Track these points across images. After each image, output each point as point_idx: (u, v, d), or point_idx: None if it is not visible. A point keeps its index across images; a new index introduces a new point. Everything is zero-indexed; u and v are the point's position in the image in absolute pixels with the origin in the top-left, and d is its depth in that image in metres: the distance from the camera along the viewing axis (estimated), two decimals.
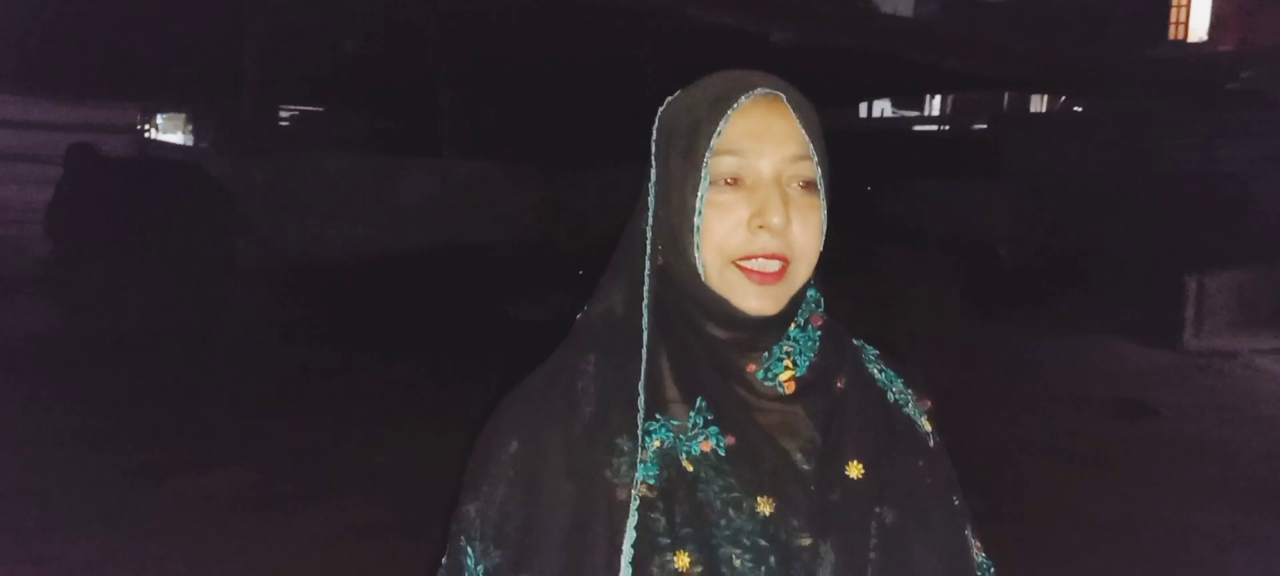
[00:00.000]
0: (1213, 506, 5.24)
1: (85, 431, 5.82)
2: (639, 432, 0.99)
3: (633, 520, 0.96)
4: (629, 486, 0.97)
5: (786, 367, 1.04)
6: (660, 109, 1.09)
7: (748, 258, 1.01)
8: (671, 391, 1.03)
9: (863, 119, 23.09)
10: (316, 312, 9.06)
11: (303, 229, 10.77)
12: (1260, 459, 6.22)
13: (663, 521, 0.97)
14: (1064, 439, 6.52)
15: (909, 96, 22.16)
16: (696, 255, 1.02)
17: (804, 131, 1.03)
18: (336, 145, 11.99)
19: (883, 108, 23.29)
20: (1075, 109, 20.58)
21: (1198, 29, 19.19)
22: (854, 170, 16.51)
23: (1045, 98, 21.46)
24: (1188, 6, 19.51)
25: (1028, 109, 21.29)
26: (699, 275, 1.03)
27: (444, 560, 1.09)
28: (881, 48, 11.91)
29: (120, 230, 8.19)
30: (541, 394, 1.06)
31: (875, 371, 1.13)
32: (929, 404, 1.13)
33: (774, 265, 1.01)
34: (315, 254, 10.51)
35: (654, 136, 1.08)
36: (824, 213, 1.04)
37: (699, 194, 1.01)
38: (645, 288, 1.04)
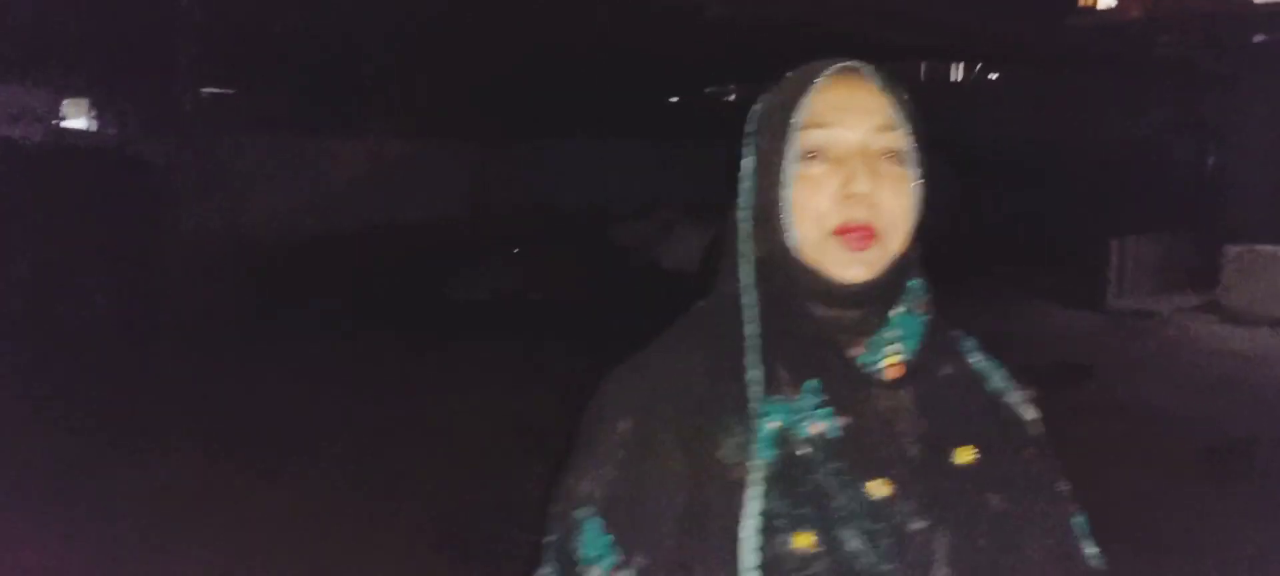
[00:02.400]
0: (1139, 463, 5.40)
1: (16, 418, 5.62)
2: (751, 414, 1.00)
3: (755, 498, 0.96)
4: (742, 466, 0.98)
5: (892, 354, 1.06)
6: (754, 105, 1.11)
7: (841, 227, 1.02)
8: (782, 373, 1.03)
9: None
10: (247, 295, 8.88)
11: (229, 211, 10.52)
12: (1183, 415, 6.47)
13: (780, 503, 0.97)
14: None
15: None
16: (790, 230, 1.04)
17: (889, 102, 1.05)
18: (262, 125, 11.69)
19: None
20: (991, 77, 21.04)
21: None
22: None
23: (962, 67, 21.84)
24: None
25: (946, 78, 21.67)
26: (793, 252, 1.05)
27: (550, 539, 1.07)
28: (808, 18, 12.00)
29: (39, 219, 7.88)
30: (651, 373, 1.07)
31: (978, 360, 1.14)
32: (1032, 393, 1.14)
33: (866, 233, 1.02)
34: (243, 236, 10.27)
35: (750, 126, 1.10)
36: (915, 183, 1.06)
37: (786, 169, 1.04)
38: (743, 271, 1.06)
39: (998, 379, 1.13)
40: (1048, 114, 17.27)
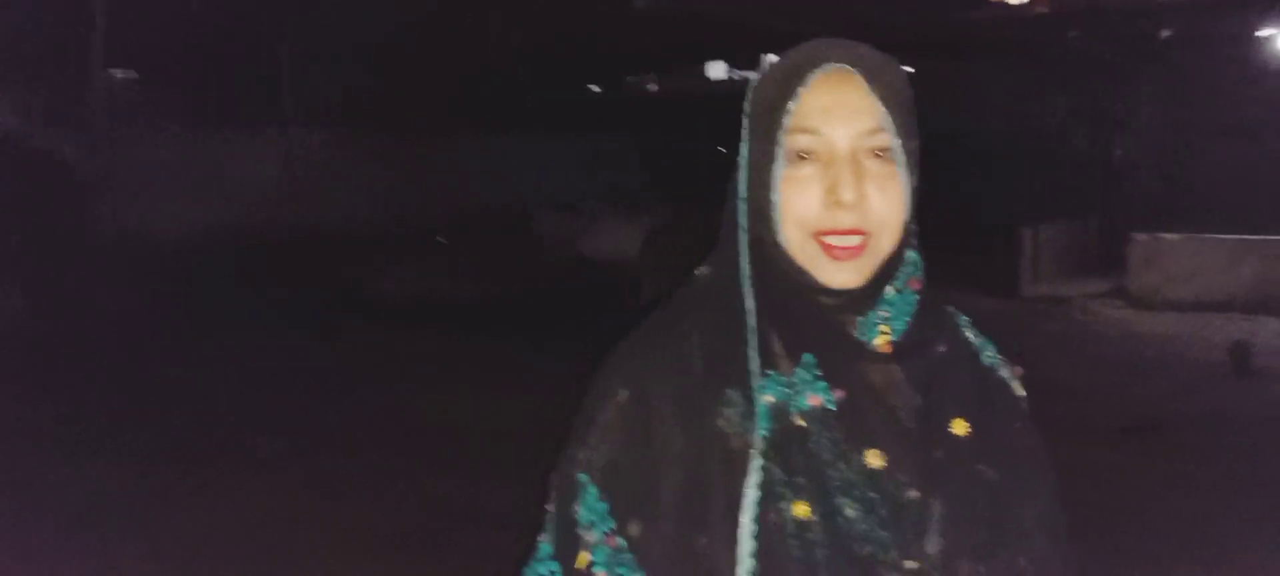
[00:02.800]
0: (1058, 442, 5.59)
1: None
2: (752, 385, 1.01)
3: (756, 468, 0.98)
4: (743, 437, 1.00)
5: (882, 331, 1.07)
6: (749, 85, 1.11)
7: (826, 232, 1.02)
8: (778, 347, 1.04)
9: (712, 81, 23.44)
10: (158, 295, 8.61)
11: (137, 209, 10.19)
12: (1099, 395, 6.71)
13: (778, 472, 0.99)
14: None
15: (752, 57, 22.59)
16: (778, 230, 1.05)
17: (879, 103, 1.04)
18: (172, 120, 11.33)
19: (723, 70, 23.67)
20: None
21: None
22: (703, 134, 16.80)
23: None
24: None
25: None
26: (783, 248, 1.05)
27: (550, 507, 1.09)
28: (725, 12, 12.11)
29: None
30: (650, 348, 1.09)
31: (970, 336, 1.15)
32: (1020, 369, 1.16)
33: (853, 239, 1.02)
34: (152, 234, 9.96)
35: (744, 113, 1.10)
36: (906, 180, 1.05)
37: (775, 172, 1.04)
38: (742, 257, 1.07)
39: (989, 354, 1.15)
40: (960, 106, 17.66)
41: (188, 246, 9.89)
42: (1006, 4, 19.81)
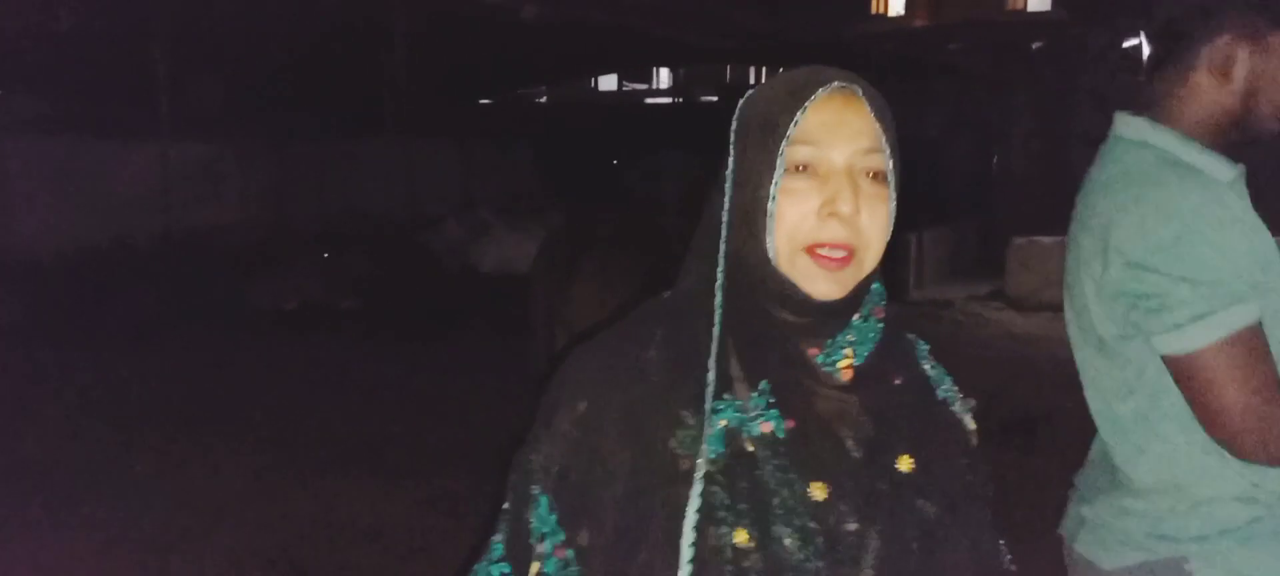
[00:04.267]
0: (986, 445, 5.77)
1: None
2: (707, 408, 1.02)
3: (697, 491, 0.99)
4: (691, 459, 1.01)
5: (846, 356, 1.09)
6: (741, 101, 1.13)
7: (817, 245, 1.05)
8: (737, 371, 1.06)
9: (602, 93, 23.51)
10: (33, 311, 8.21)
11: (11, 220, 9.71)
12: (979, 394, 6.91)
13: (724, 497, 1.00)
14: None
15: (642, 69, 22.75)
16: (769, 240, 1.06)
17: (877, 125, 1.07)
18: (47, 129, 10.83)
19: (617, 81, 23.77)
20: None
21: (896, 4, 20.82)
22: (595, 144, 16.84)
23: (764, 69, 22.64)
24: None
25: (748, 81, 22.42)
26: (770, 260, 1.06)
27: (506, 507, 1.11)
28: (616, 22, 12.17)
29: None
30: (610, 358, 1.10)
31: (927, 368, 1.19)
32: (973, 402, 1.20)
33: (841, 253, 1.05)
34: (21, 245, 9.49)
35: (733, 127, 1.11)
36: (892, 204, 1.09)
37: (774, 181, 1.05)
38: (719, 270, 1.08)
39: (945, 387, 1.18)
40: None
41: (63, 258, 9.47)
42: (887, 16, 20.44)
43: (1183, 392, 1.55)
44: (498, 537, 1.12)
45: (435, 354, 7.58)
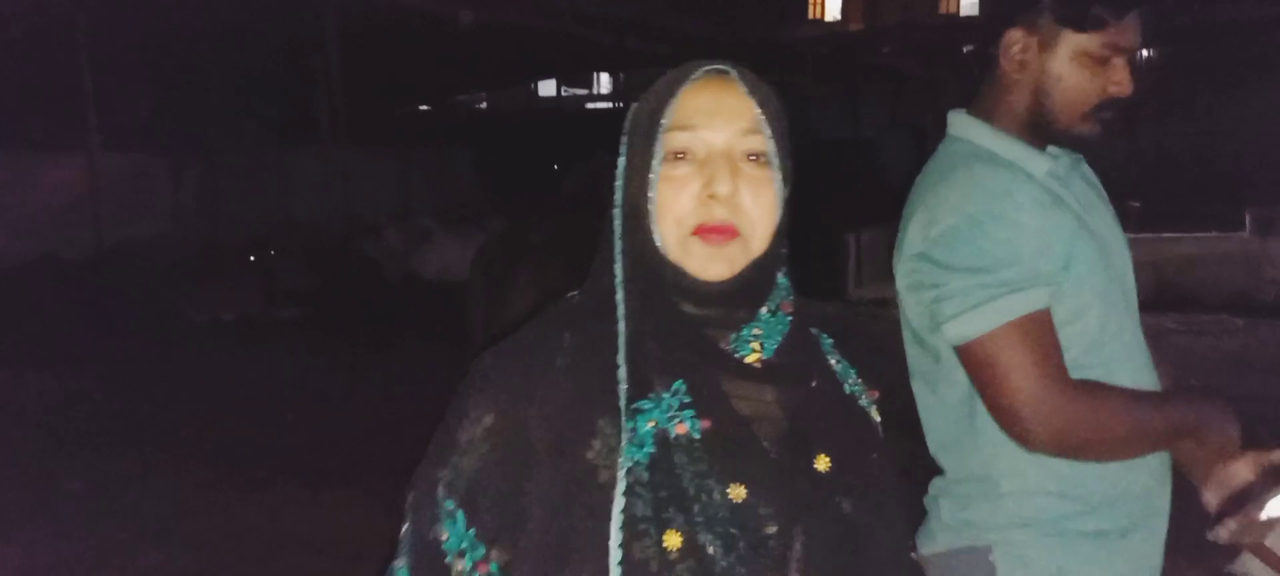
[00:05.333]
0: (888, 436, 5.87)
1: None
2: (622, 414, 1.00)
3: (619, 503, 0.97)
4: (611, 469, 0.98)
5: (754, 349, 1.07)
6: (632, 107, 1.12)
7: (700, 227, 1.04)
8: (651, 372, 1.03)
9: (542, 98, 23.44)
10: None
11: None
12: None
13: (647, 505, 0.97)
14: None
15: (582, 74, 22.73)
16: (655, 229, 1.05)
17: (755, 106, 1.06)
18: None
19: (556, 86, 23.72)
20: None
21: (832, 9, 21.13)
22: (535, 149, 16.79)
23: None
24: None
25: None
26: (660, 250, 1.05)
27: (406, 529, 1.07)
28: (557, 28, 12.15)
29: None
30: (517, 367, 1.06)
31: (833, 362, 1.16)
32: (876, 394, 1.18)
33: (726, 232, 1.04)
34: None
35: (624, 128, 1.11)
36: (779, 186, 1.07)
37: (653, 170, 1.05)
38: (618, 266, 1.07)
39: (851, 381, 1.16)
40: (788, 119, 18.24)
41: None
42: (823, 21, 20.70)
43: (973, 383, 1.53)
44: (400, 563, 1.06)
45: (377, 362, 7.50)
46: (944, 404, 1.65)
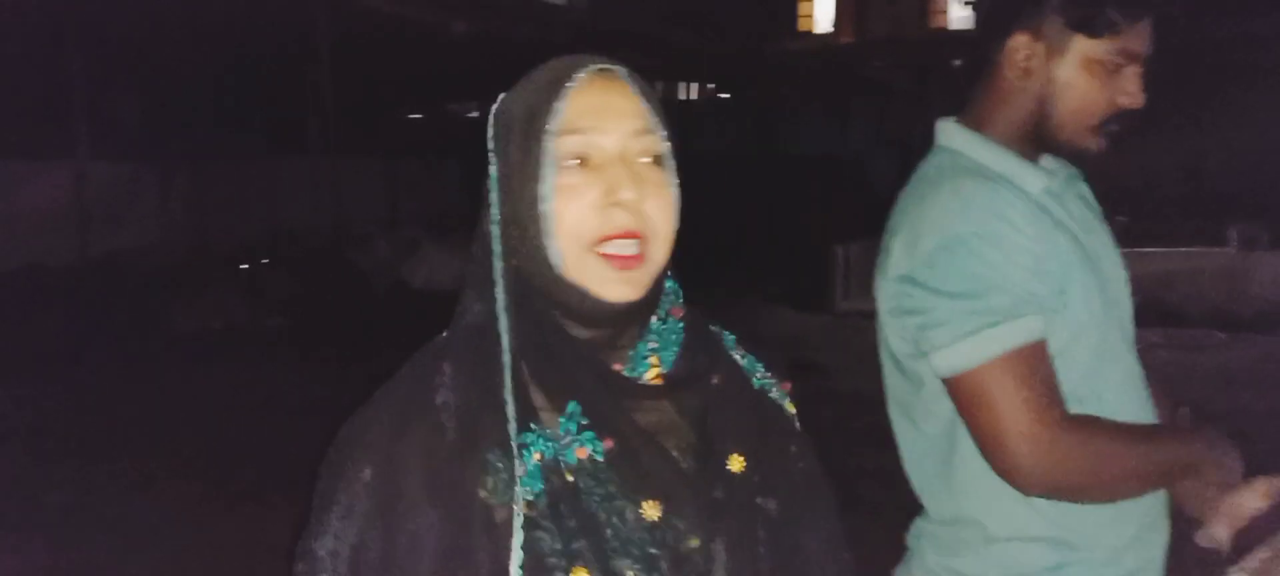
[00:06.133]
0: (873, 450, 5.82)
1: None
2: (512, 447, 0.91)
3: (518, 540, 0.89)
4: (507, 507, 0.90)
5: (652, 365, 1.00)
6: (495, 105, 1.03)
7: (604, 239, 0.95)
8: (540, 398, 0.95)
9: None
10: None
11: None
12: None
13: (552, 539, 0.90)
14: None
15: None
16: (550, 245, 0.96)
17: (645, 104, 0.99)
18: None
19: None
20: (722, 96, 22.08)
21: (823, 22, 21.17)
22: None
23: (694, 86, 22.79)
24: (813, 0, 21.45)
25: (676, 96, 22.51)
26: (554, 268, 0.96)
27: None
28: (547, 39, 12.19)
29: None
30: (396, 413, 0.96)
31: (738, 357, 1.10)
32: (789, 386, 1.12)
33: (632, 245, 0.95)
34: None
35: (490, 132, 1.01)
36: (675, 191, 1.00)
37: (544, 180, 0.95)
38: (498, 289, 0.97)
39: (759, 374, 1.10)
40: (774, 132, 18.34)
41: None
42: (814, 34, 20.75)
43: (963, 419, 1.41)
44: None
45: (365, 373, 7.45)
46: (925, 436, 1.55)
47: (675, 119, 1.03)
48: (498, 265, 0.98)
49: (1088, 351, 1.44)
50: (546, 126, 0.95)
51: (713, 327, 1.10)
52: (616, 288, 0.95)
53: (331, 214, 12.65)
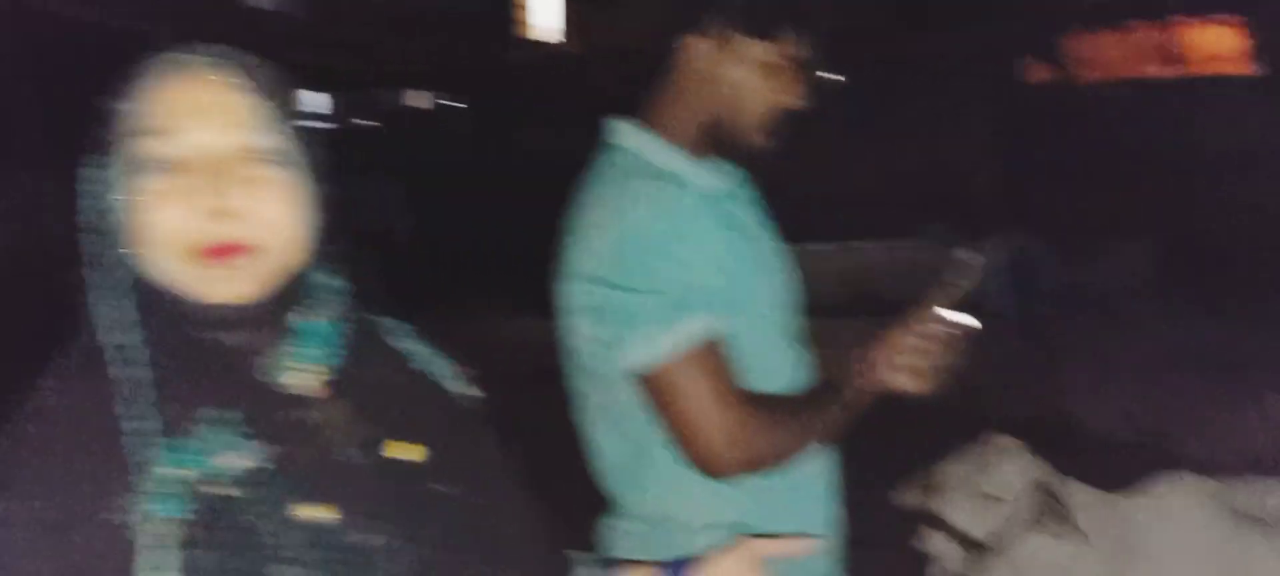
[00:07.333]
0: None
1: None
2: (150, 465, 0.85)
3: (153, 564, 0.82)
4: (152, 531, 0.83)
5: (307, 364, 0.96)
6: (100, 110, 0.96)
7: (201, 251, 0.89)
8: (180, 410, 0.88)
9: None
10: None
11: None
12: None
13: (208, 559, 0.83)
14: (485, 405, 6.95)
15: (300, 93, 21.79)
16: (150, 254, 0.90)
17: (246, 97, 0.93)
18: None
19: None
20: (458, 106, 21.82)
21: (548, 33, 21.33)
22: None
23: (425, 95, 22.40)
24: (525, 9, 21.53)
25: (405, 106, 22.03)
26: (161, 276, 0.91)
27: None
28: (267, 48, 11.61)
29: None
30: (11, 448, 0.87)
31: (409, 345, 1.07)
32: (468, 370, 1.10)
33: (233, 252, 0.90)
34: None
35: (95, 137, 0.95)
36: (299, 183, 0.94)
37: (131, 187, 0.89)
38: (119, 303, 0.90)
39: (435, 364, 1.08)
40: (503, 139, 18.36)
41: None
42: (544, 43, 20.91)
43: (655, 413, 1.46)
44: None
45: None
46: (625, 437, 1.56)
47: (295, 112, 0.98)
48: (109, 276, 0.91)
49: (759, 342, 1.53)
50: (127, 129, 0.90)
51: (384, 321, 1.08)
52: (220, 287, 0.91)
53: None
